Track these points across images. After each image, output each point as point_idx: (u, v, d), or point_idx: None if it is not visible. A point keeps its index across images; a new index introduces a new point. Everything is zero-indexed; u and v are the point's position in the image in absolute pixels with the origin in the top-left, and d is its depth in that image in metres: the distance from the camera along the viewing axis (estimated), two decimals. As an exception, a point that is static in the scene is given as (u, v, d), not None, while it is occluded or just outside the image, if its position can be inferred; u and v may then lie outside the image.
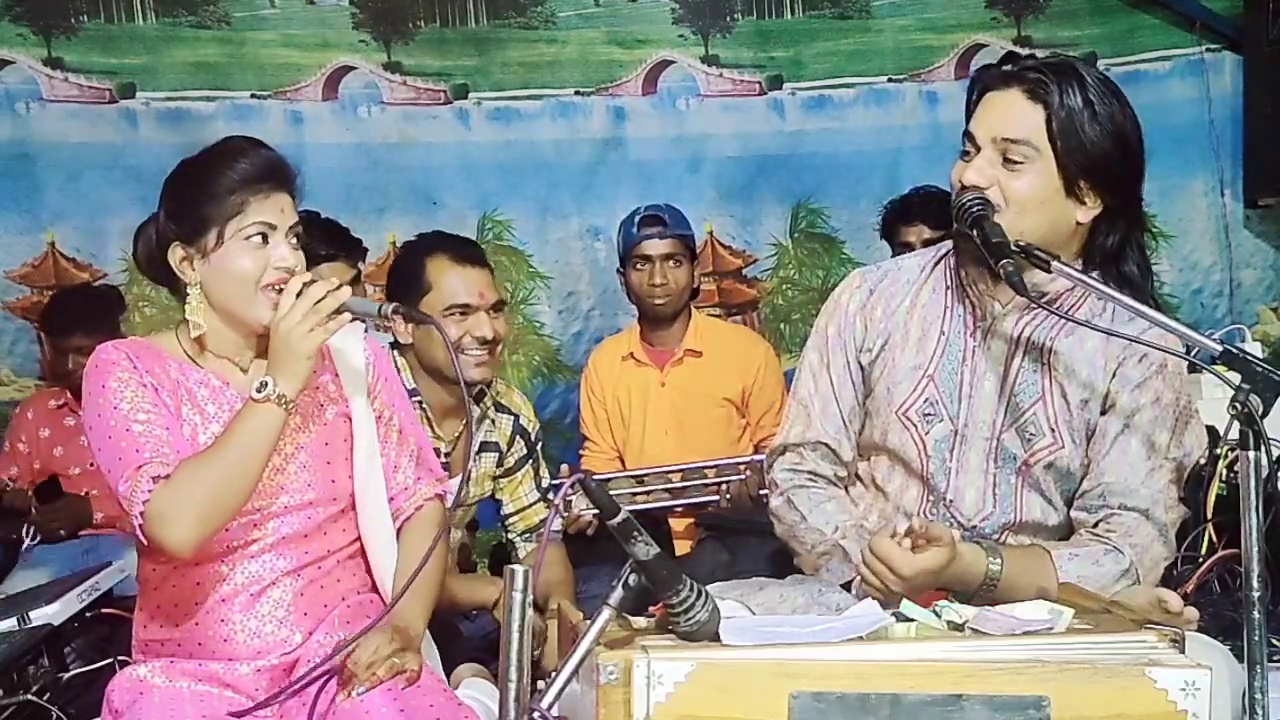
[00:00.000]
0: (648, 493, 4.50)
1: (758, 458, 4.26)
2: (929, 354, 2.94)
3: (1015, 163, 2.76)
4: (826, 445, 3.04)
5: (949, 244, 2.99)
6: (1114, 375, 2.86)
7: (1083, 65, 2.85)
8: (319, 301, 2.61)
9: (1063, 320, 2.84)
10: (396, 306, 2.70)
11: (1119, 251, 2.86)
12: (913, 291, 3.00)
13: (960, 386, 2.91)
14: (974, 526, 2.92)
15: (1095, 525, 2.87)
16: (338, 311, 2.63)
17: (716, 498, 4.46)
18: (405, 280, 3.78)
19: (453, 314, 3.70)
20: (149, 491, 2.55)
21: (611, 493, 4.35)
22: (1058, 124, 2.74)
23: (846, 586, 2.82)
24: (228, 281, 2.71)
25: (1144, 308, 2.63)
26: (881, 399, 2.98)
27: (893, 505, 3.00)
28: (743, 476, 4.38)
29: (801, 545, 2.99)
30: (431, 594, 2.83)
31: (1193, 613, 2.58)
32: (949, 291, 2.96)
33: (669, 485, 4.52)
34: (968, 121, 2.85)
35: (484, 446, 3.93)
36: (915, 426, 2.94)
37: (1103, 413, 2.88)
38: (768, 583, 2.82)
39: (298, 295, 2.63)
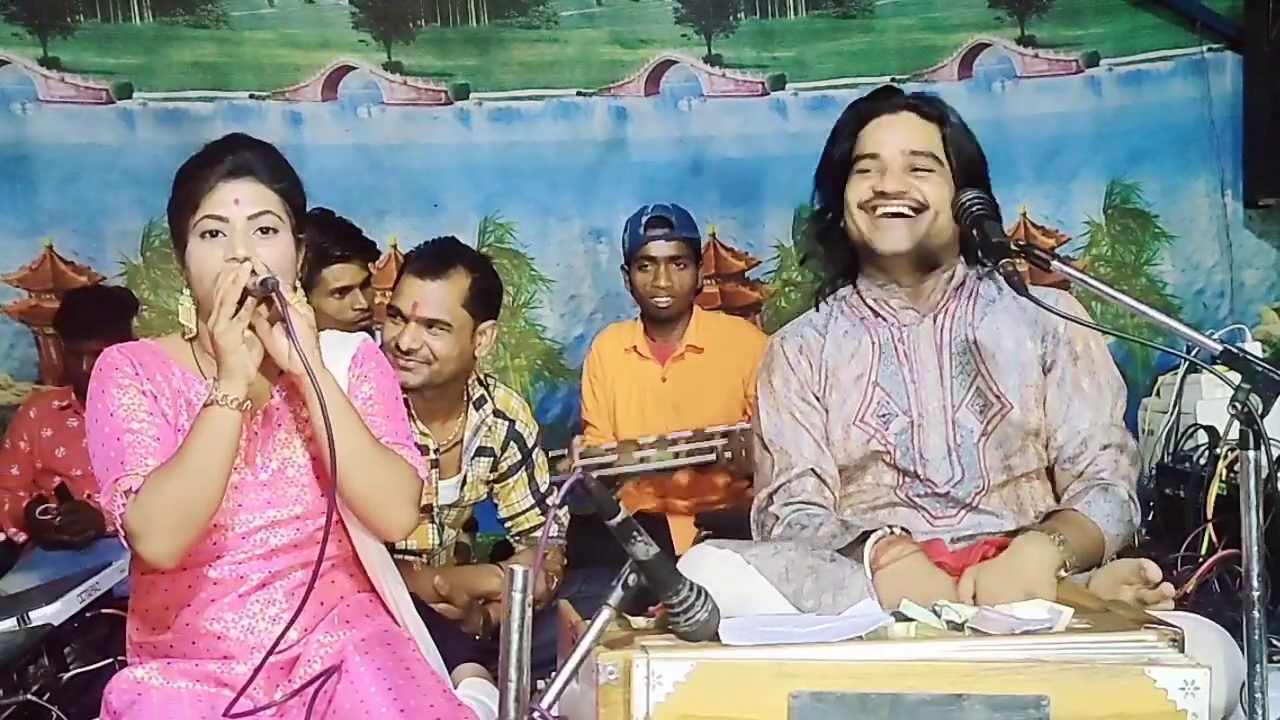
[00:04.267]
0: (652, 454, 4.59)
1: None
2: (868, 363, 3.15)
3: (923, 170, 3.07)
4: (812, 470, 3.14)
5: (843, 290, 3.25)
6: (1041, 338, 3.10)
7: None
8: (224, 294, 2.58)
9: (972, 306, 3.12)
10: (269, 280, 2.59)
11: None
12: (828, 331, 3.21)
13: (904, 385, 3.11)
14: (946, 493, 3.06)
15: (1081, 474, 3.05)
16: (243, 298, 2.58)
17: (714, 457, 4.51)
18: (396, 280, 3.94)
19: (392, 316, 3.84)
20: (123, 506, 2.56)
21: (613, 458, 4.50)
22: (949, 139, 3.10)
23: (844, 552, 2.87)
24: (194, 282, 2.70)
25: (1141, 305, 2.68)
26: (835, 416, 3.14)
27: (871, 496, 3.12)
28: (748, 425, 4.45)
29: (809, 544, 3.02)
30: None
31: (1169, 588, 2.72)
32: (863, 320, 3.18)
33: (673, 449, 4.59)
34: (850, 149, 3.14)
35: (479, 451, 3.96)
36: (874, 427, 3.11)
37: (1046, 372, 3.09)
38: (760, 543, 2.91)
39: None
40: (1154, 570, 2.71)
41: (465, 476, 3.94)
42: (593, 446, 4.65)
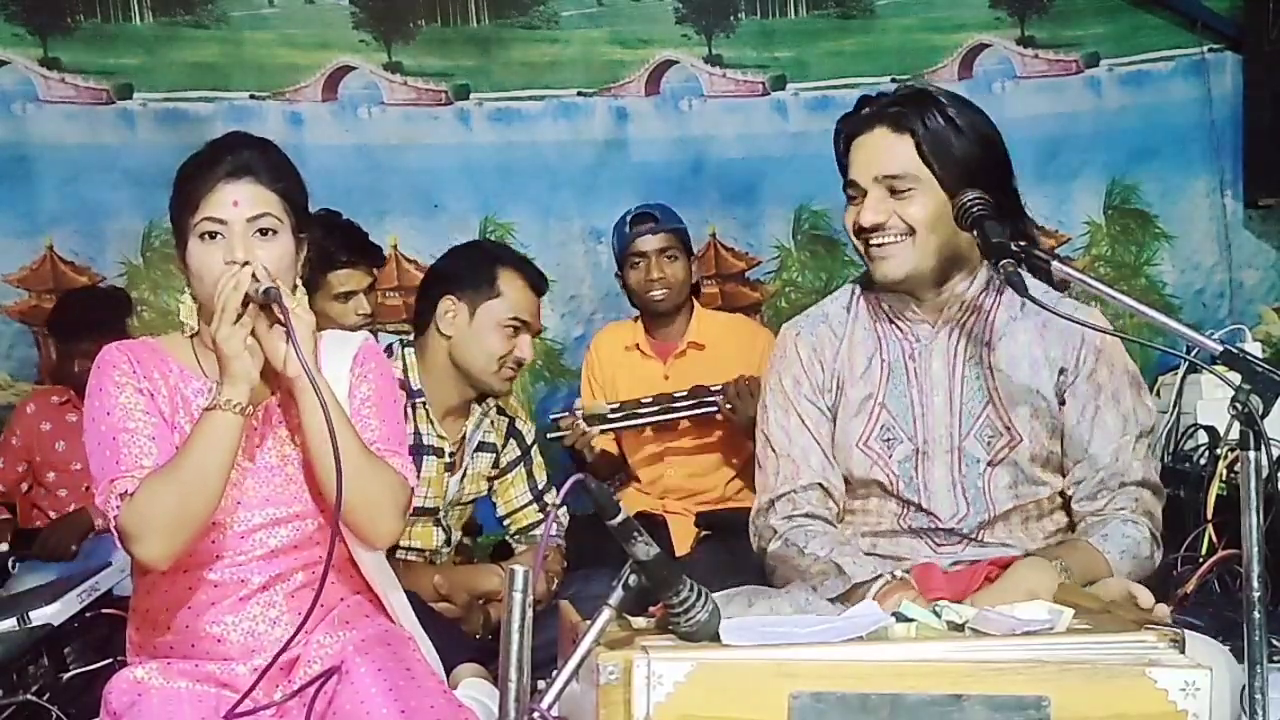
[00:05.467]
0: (653, 410, 4.69)
1: None
2: (875, 383, 3.06)
3: (902, 192, 2.92)
4: (819, 484, 3.08)
5: (859, 284, 3.17)
6: (1061, 370, 3.00)
7: (933, 88, 3.04)
8: (225, 300, 2.58)
9: (989, 326, 3.02)
10: (271, 289, 2.58)
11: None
12: (846, 333, 3.12)
13: (912, 408, 3.03)
14: (950, 529, 3.00)
15: (1104, 508, 2.98)
16: (245, 303, 2.58)
17: (716, 409, 4.59)
18: (473, 274, 3.91)
19: (509, 327, 3.87)
20: (117, 508, 2.56)
21: (613, 414, 4.54)
22: (927, 146, 2.90)
23: (838, 599, 2.82)
24: (194, 281, 2.69)
25: (1141, 305, 2.65)
26: (839, 436, 3.08)
27: (874, 520, 3.07)
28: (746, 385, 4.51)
29: (799, 573, 2.99)
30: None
31: (1163, 609, 2.67)
32: (878, 325, 3.09)
33: (673, 404, 4.69)
34: (844, 173, 3.02)
35: (481, 446, 4.02)
36: (877, 453, 3.04)
37: (1061, 402, 3.01)
38: (757, 595, 2.84)
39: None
40: (1146, 597, 2.67)
41: (465, 470, 3.97)
42: (595, 403, 4.72)
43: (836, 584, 2.87)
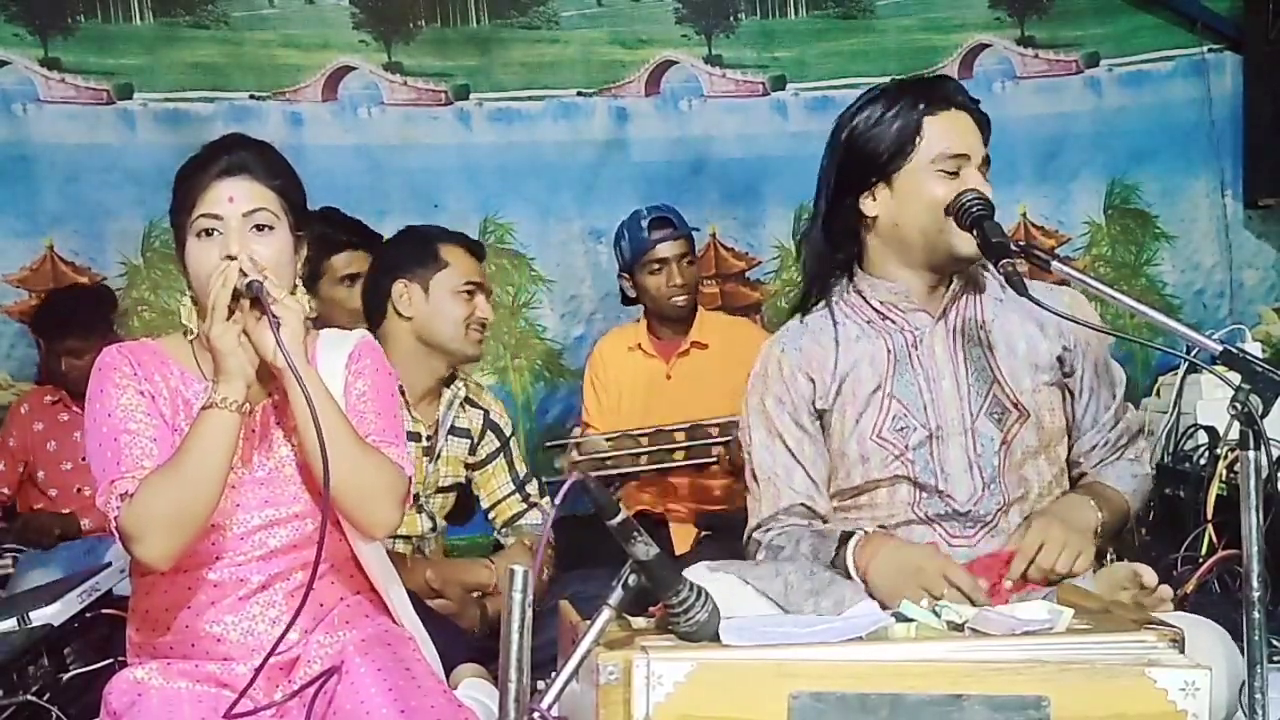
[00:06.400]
0: (650, 452, 4.58)
1: None
2: (882, 375, 3.05)
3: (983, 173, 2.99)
4: (801, 504, 3.09)
5: (839, 288, 3.18)
6: (1063, 348, 3.06)
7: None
8: (215, 297, 2.59)
9: (980, 310, 3.06)
10: (253, 281, 2.59)
11: None
12: (837, 335, 3.11)
13: (920, 395, 3.03)
14: (968, 512, 3.00)
15: (1116, 461, 3.12)
16: (236, 299, 2.59)
17: (716, 459, 4.52)
18: (416, 255, 4.02)
19: (464, 292, 3.97)
20: (117, 509, 2.56)
21: (613, 450, 4.54)
22: (986, 136, 3.01)
23: (831, 564, 2.88)
24: (192, 282, 2.70)
25: (1141, 305, 2.68)
26: (850, 433, 3.05)
27: (884, 512, 3.05)
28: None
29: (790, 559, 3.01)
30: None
31: (1166, 590, 2.73)
32: (870, 324, 3.09)
33: (672, 445, 4.60)
34: (911, 139, 2.97)
35: (453, 430, 4.05)
36: (892, 442, 3.03)
37: (1066, 375, 3.07)
38: (763, 559, 2.87)
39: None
40: (1150, 575, 2.71)
41: (440, 453, 4.01)
42: (591, 438, 4.71)
43: (827, 546, 2.91)
